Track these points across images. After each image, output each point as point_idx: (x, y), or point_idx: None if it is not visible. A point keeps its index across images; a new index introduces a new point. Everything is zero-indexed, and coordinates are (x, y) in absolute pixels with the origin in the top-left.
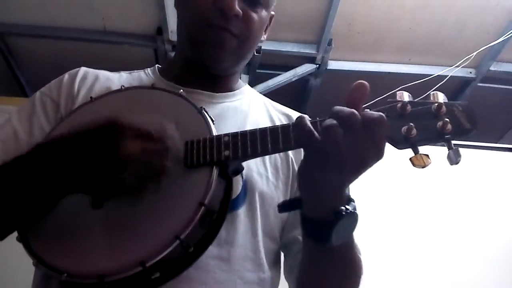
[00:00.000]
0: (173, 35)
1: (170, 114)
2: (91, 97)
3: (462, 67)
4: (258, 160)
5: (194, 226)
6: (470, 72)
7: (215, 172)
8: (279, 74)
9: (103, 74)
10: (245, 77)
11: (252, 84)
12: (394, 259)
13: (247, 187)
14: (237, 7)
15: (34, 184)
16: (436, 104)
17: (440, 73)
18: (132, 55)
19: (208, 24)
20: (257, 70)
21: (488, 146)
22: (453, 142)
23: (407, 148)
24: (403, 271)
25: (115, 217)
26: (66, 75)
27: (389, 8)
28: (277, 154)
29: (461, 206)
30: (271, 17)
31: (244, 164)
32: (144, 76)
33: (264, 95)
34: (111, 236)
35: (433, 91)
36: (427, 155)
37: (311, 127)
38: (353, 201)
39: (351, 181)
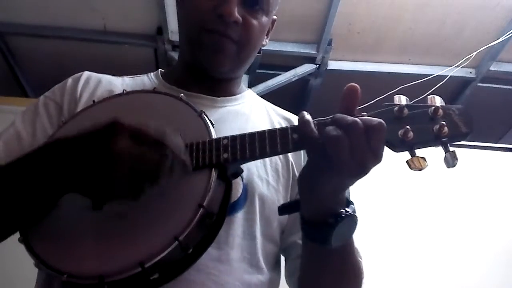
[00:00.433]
0: (173, 35)
1: (170, 117)
2: (93, 101)
3: (462, 67)
4: (258, 163)
5: (193, 227)
6: (470, 72)
7: (214, 174)
8: (279, 74)
9: (106, 78)
10: (245, 77)
11: (252, 84)
12: (394, 260)
13: (248, 190)
14: (236, 14)
15: (34, 182)
16: (433, 107)
17: (440, 73)
18: (132, 55)
19: (207, 29)
20: (257, 70)
21: (488, 146)
22: (450, 145)
23: (404, 151)
24: (403, 271)
25: (115, 218)
26: (70, 79)
27: (389, 8)
28: (277, 158)
29: (461, 206)
30: (273, 21)
31: (245, 167)
32: (147, 80)
33: (264, 95)
34: (111, 237)
35: (431, 93)
36: (424, 158)
37: (315, 130)
38: (352, 204)
39: (350, 184)
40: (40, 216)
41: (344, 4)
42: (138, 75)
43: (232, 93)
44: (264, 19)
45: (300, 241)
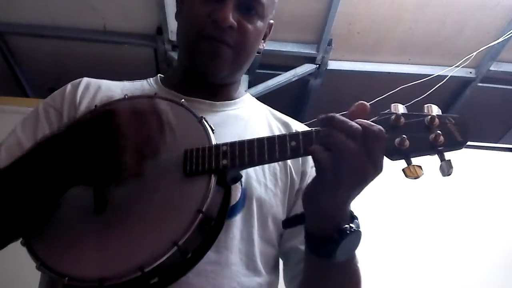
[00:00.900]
0: (173, 35)
1: (171, 123)
2: (95, 106)
3: (462, 67)
4: (257, 167)
5: (192, 232)
6: (470, 72)
7: (213, 180)
8: (279, 74)
9: (105, 83)
10: (245, 77)
11: (252, 84)
12: (395, 261)
13: (246, 194)
14: (231, 19)
15: (33, 178)
16: (429, 116)
17: (440, 73)
18: (132, 55)
19: (203, 35)
20: (257, 70)
21: (488, 146)
22: (446, 154)
23: (400, 159)
24: (403, 272)
25: (115, 222)
26: (69, 85)
27: (389, 8)
28: (276, 163)
29: (461, 206)
30: (270, 25)
31: (243, 171)
32: (146, 85)
33: (264, 95)
34: (112, 241)
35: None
36: (419, 166)
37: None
38: (357, 219)
39: (352, 197)
40: (44, 215)
41: (344, 4)
42: (137, 80)
43: (230, 98)
44: (260, 23)
45: (300, 246)
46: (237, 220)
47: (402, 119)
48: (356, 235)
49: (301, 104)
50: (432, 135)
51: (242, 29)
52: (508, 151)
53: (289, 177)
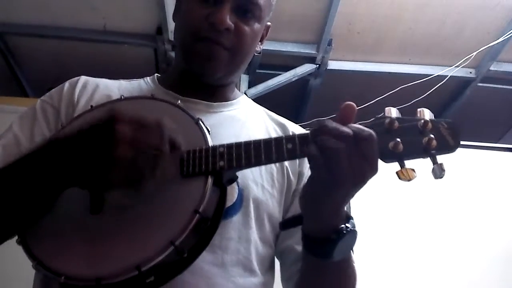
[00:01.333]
0: (173, 35)
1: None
2: (91, 106)
3: (462, 67)
4: (254, 168)
5: (189, 232)
6: (470, 72)
7: (210, 181)
8: (279, 74)
9: (103, 82)
10: (245, 77)
11: (252, 84)
12: (395, 260)
13: (243, 194)
14: (228, 21)
15: (32, 177)
16: (423, 120)
17: (440, 73)
18: (132, 54)
19: (200, 37)
20: (257, 70)
21: (488, 146)
22: (438, 157)
23: (394, 162)
24: (403, 272)
25: (112, 222)
26: (67, 84)
27: (389, 8)
28: (272, 164)
29: (461, 206)
30: (267, 28)
31: (240, 172)
32: (143, 84)
33: (264, 95)
34: (109, 240)
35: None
36: (413, 169)
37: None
38: (352, 219)
39: (348, 197)
40: (40, 214)
41: (344, 4)
42: (135, 80)
43: (227, 99)
44: (257, 25)
45: (296, 246)
46: (234, 221)
47: (396, 123)
48: (352, 234)
49: (301, 104)
50: (425, 139)
51: (239, 32)
52: (508, 151)
53: (286, 178)
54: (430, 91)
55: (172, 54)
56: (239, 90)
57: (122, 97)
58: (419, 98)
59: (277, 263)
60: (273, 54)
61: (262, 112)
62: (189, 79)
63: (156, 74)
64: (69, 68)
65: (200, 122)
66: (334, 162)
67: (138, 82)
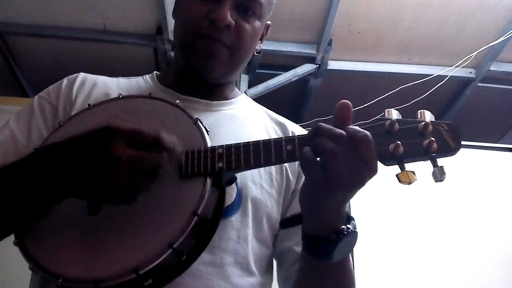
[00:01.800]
0: (173, 35)
1: (166, 123)
2: (88, 104)
3: (462, 67)
4: None
5: (187, 234)
6: (470, 72)
7: (208, 182)
8: (279, 74)
9: (102, 79)
10: (245, 77)
11: (252, 84)
12: (395, 262)
13: (242, 194)
14: (229, 18)
15: (30, 188)
16: (423, 123)
17: (440, 73)
18: (132, 54)
19: (200, 34)
20: (257, 70)
21: (488, 146)
22: (438, 160)
23: (394, 164)
24: (404, 273)
25: (110, 224)
26: (65, 81)
27: (389, 8)
28: None
29: (461, 206)
30: (267, 26)
31: (239, 172)
32: (142, 82)
33: (264, 95)
34: (106, 243)
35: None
36: (413, 172)
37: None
38: (353, 220)
39: (348, 198)
40: (35, 220)
41: (344, 4)
42: (134, 77)
43: (226, 97)
44: (257, 23)
45: (295, 248)
46: (233, 221)
47: (396, 125)
48: (352, 235)
49: (301, 104)
50: (426, 141)
51: (239, 29)
52: (508, 151)
53: (284, 178)
54: (430, 91)
55: (172, 54)
56: (239, 90)
57: (120, 95)
58: (419, 98)
59: (274, 265)
60: (273, 54)
61: (261, 111)
62: (189, 77)
63: (155, 72)
64: (69, 68)
65: (199, 122)
66: (330, 165)
67: (137, 80)
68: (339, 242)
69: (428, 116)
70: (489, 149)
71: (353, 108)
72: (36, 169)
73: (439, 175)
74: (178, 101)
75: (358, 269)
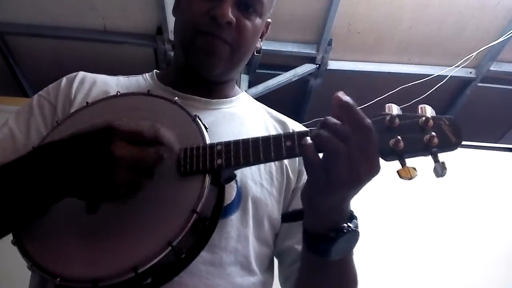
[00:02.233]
0: (173, 35)
1: (164, 121)
2: (87, 102)
3: (462, 67)
4: (252, 166)
5: (186, 233)
6: (470, 72)
7: (207, 180)
8: (279, 74)
9: (101, 78)
10: (245, 77)
11: (252, 84)
12: (394, 261)
13: (241, 193)
14: (230, 15)
15: (28, 187)
16: (424, 117)
17: (440, 73)
18: (132, 54)
19: (200, 31)
20: (257, 70)
21: (488, 146)
22: (439, 155)
23: (395, 160)
24: (403, 273)
25: (109, 222)
26: (64, 79)
27: (389, 8)
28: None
29: (461, 206)
30: (267, 24)
31: (239, 170)
32: (142, 80)
33: (264, 95)
34: (105, 241)
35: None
36: (414, 168)
37: (317, 155)
38: (356, 219)
39: (349, 197)
40: (33, 219)
41: (344, 4)
42: (133, 76)
43: (226, 96)
44: (258, 21)
45: (296, 246)
46: (233, 220)
47: (397, 120)
48: (353, 234)
49: (301, 104)
50: (427, 136)
51: (240, 26)
52: (508, 151)
53: (285, 177)
54: (430, 91)
55: (172, 54)
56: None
57: (118, 93)
58: (419, 98)
59: (275, 264)
60: (273, 54)
61: (262, 109)
62: (189, 75)
63: (155, 71)
64: (69, 68)
65: (198, 119)
66: (333, 161)
67: (136, 78)
68: (337, 240)
69: (429, 111)
70: (489, 149)
71: None
72: (35, 168)
73: (440, 170)
74: (176, 98)
75: (357, 268)
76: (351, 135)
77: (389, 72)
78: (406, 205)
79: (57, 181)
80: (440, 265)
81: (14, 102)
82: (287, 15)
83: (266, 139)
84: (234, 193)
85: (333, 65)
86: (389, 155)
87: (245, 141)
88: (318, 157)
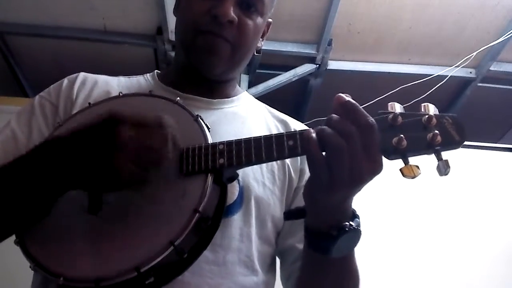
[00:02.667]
0: (173, 35)
1: None
2: (89, 103)
3: (462, 67)
4: (255, 166)
5: (189, 232)
6: (470, 72)
7: (209, 179)
8: (279, 74)
9: (102, 79)
10: (245, 77)
11: (252, 84)
12: (395, 261)
13: (244, 192)
14: (232, 14)
15: (32, 180)
16: (427, 116)
17: (440, 73)
18: (132, 54)
19: (201, 30)
20: (257, 70)
21: (488, 146)
22: (443, 153)
23: (398, 158)
24: (403, 272)
25: (111, 222)
26: (66, 80)
27: (389, 8)
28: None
29: (461, 206)
30: (268, 24)
31: (241, 169)
32: (143, 81)
33: (264, 95)
34: (107, 241)
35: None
36: (417, 166)
37: (319, 151)
38: (358, 218)
39: (351, 195)
40: (38, 215)
41: (344, 4)
42: (134, 76)
43: (228, 95)
44: (259, 20)
45: (298, 245)
46: (235, 219)
47: (400, 118)
48: (354, 233)
49: (301, 104)
50: (430, 135)
51: (241, 25)
52: (508, 151)
53: (287, 175)
54: (430, 91)
55: (172, 54)
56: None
57: (120, 94)
58: (419, 98)
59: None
60: (273, 54)
61: (263, 109)
62: (190, 75)
63: (156, 71)
64: (69, 68)
65: (200, 119)
66: (335, 159)
67: (138, 78)
68: (339, 238)
69: (432, 109)
70: (489, 149)
71: None
72: (39, 160)
73: (443, 168)
74: (178, 98)
75: (358, 267)
76: (354, 132)
77: (389, 72)
78: (406, 204)
79: (62, 170)
80: (440, 264)
81: (14, 102)
82: (287, 15)
83: (268, 139)
84: (236, 193)
85: (333, 65)
86: (392, 154)
87: (247, 141)
88: (321, 154)
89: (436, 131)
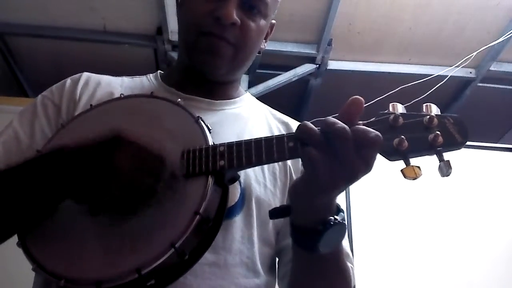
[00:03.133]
0: (173, 35)
1: (167, 123)
2: (91, 105)
3: (462, 67)
4: (256, 167)
5: (190, 234)
6: (470, 72)
7: (210, 181)
8: (279, 74)
9: (105, 79)
10: (245, 77)
11: (252, 84)
12: (395, 260)
13: (245, 194)
14: (235, 16)
15: (35, 187)
16: (428, 116)
17: (440, 73)
18: (132, 55)
19: (204, 32)
20: (257, 70)
21: (488, 146)
22: (444, 154)
23: (399, 160)
24: (403, 272)
25: (112, 224)
26: (69, 80)
27: (389, 8)
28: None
29: (461, 206)
30: (272, 25)
31: (242, 171)
32: (146, 81)
33: (264, 95)
34: (108, 243)
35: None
36: (418, 167)
37: (321, 137)
38: (342, 212)
39: (340, 192)
40: (38, 220)
41: (344, 4)
42: (137, 76)
43: (230, 96)
44: (262, 22)
45: None
46: (237, 221)
47: (401, 119)
48: (340, 227)
49: (301, 104)
50: (431, 135)
51: (244, 27)
52: (508, 151)
53: (288, 177)
54: (430, 91)
55: (172, 54)
56: None
57: (121, 95)
58: (419, 98)
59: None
60: (273, 54)
61: (265, 110)
62: (192, 76)
63: (159, 71)
64: (69, 69)
65: (200, 121)
66: (331, 159)
67: (141, 79)
68: (324, 233)
69: (434, 110)
70: (489, 149)
71: None
72: (44, 168)
73: (445, 169)
74: (180, 99)
75: (358, 267)
76: (347, 131)
77: (389, 72)
78: (406, 204)
79: (60, 184)
80: (441, 264)
81: (14, 102)
82: (287, 15)
83: (268, 140)
84: (238, 194)
85: (333, 65)
86: (393, 155)
87: (248, 142)
88: (319, 155)
89: (438, 132)
